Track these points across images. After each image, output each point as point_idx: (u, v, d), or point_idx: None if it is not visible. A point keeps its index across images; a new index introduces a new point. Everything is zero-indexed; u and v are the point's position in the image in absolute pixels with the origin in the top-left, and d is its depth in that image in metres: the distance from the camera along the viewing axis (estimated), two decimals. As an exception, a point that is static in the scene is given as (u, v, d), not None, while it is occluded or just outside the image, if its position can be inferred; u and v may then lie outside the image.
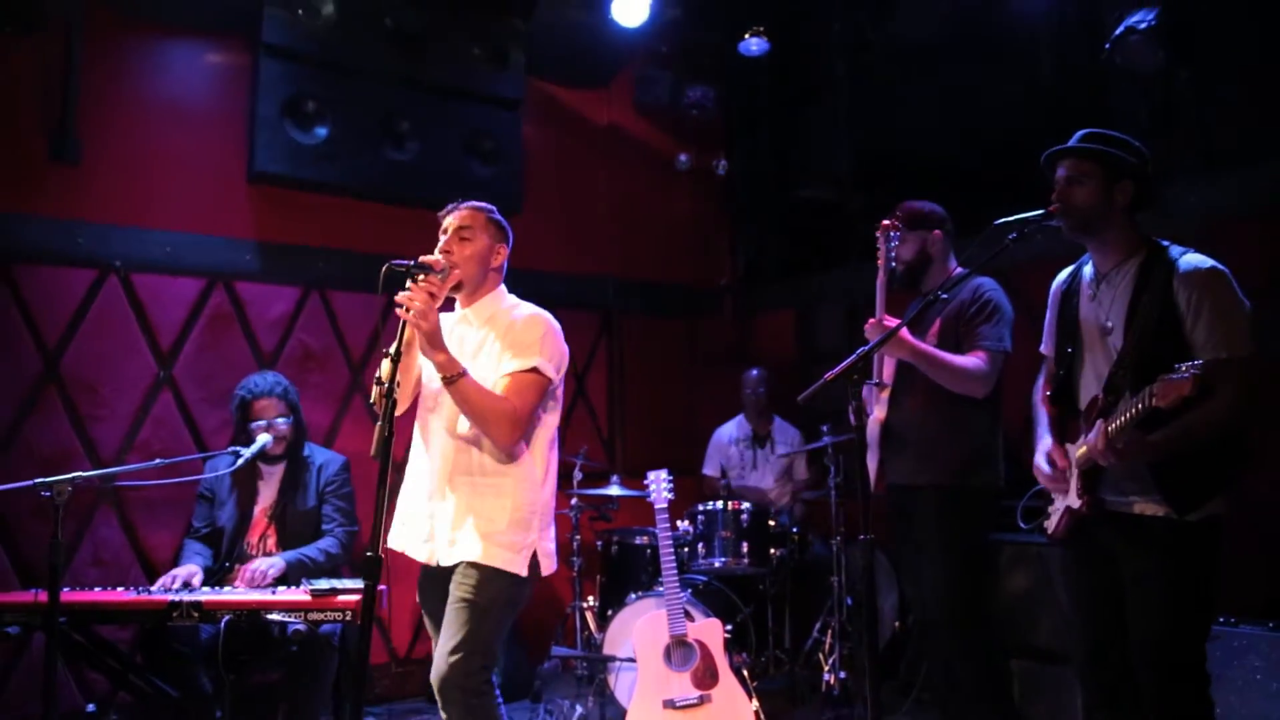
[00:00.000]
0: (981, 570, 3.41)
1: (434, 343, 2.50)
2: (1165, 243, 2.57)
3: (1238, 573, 3.58)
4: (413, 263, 2.53)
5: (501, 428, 2.57)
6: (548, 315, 2.77)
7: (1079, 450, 2.56)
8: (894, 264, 3.30)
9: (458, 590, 2.59)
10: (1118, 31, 3.83)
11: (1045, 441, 2.75)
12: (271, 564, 3.31)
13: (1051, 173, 2.65)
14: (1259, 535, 3.72)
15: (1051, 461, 2.68)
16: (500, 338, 2.71)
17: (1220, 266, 2.45)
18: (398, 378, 2.35)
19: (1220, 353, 2.37)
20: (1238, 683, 3.11)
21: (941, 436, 3.23)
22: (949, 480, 3.22)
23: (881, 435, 3.36)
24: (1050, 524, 2.71)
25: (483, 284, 2.79)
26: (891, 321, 3.14)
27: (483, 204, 2.81)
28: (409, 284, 2.49)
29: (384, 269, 2.44)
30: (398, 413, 2.67)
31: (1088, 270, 2.71)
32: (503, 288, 2.85)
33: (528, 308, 2.81)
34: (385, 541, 2.69)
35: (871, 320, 3.20)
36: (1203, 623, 2.48)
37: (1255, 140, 3.81)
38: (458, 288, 2.73)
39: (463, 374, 2.54)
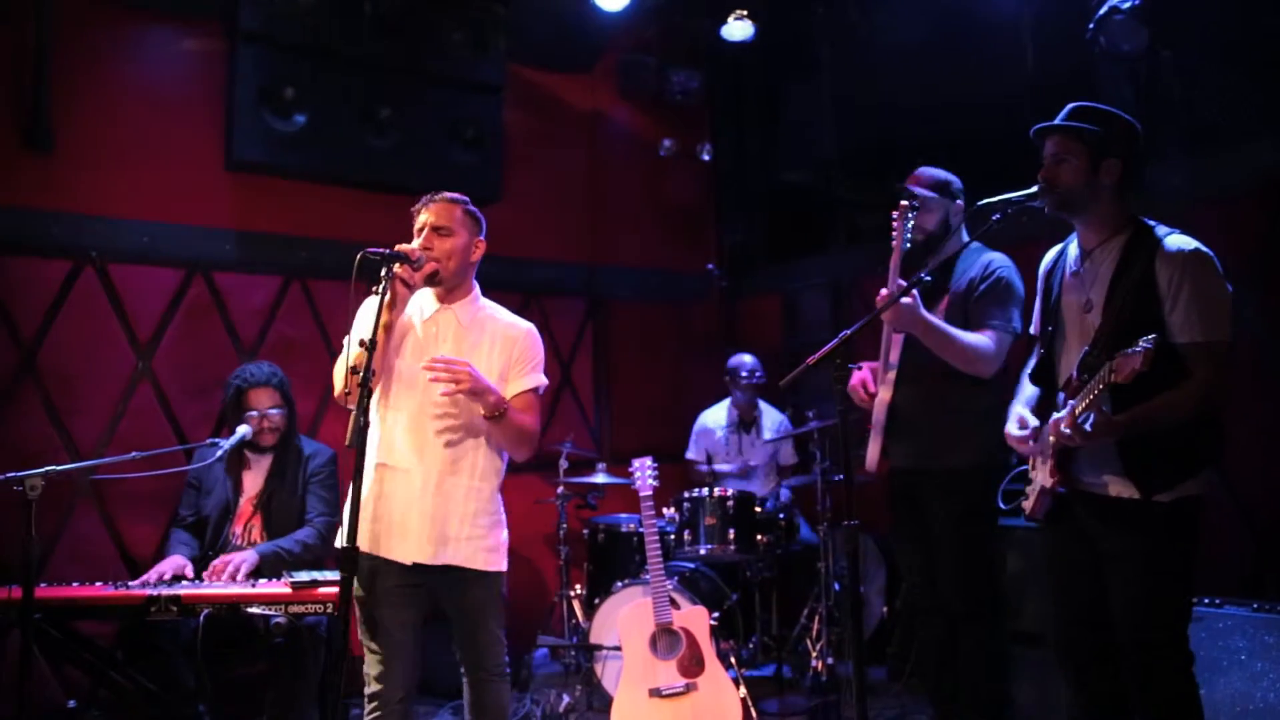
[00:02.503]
0: (995, 553, 3.36)
1: (479, 386, 2.58)
2: (1152, 223, 2.53)
3: (1222, 554, 3.59)
4: (388, 251, 2.55)
5: (530, 448, 2.78)
6: (533, 326, 2.90)
7: (1051, 430, 2.54)
8: (909, 243, 3.14)
9: (476, 597, 2.72)
10: (1101, 11, 3.81)
11: (1020, 411, 2.74)
12: (244, 558, 3.26)
13: (1041, 149, 2.61)
14: (1242, 516, 3.73)
15: (1023, 425, 2.66)
16: (503, 351, 2.79)
17: (1204, 249, 2.42)
18: (374, 367, 2.35)
19: (1196, 336, 2.36)
20: (1222, 664, 3.11)
21: (950, 419, 3.15)
22: (960, 463, 3.14)
23: (887, 417, 3.26)
24: (1028, 505, 2.70)
25: (463, 281, 2.82)
26: (904, 295, 2.96)
27: (457, 196, 2.82)
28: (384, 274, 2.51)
29: (358, 256, 2.46)
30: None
31: (1073, 248, 2.67)
32: (477, 287, 2.88)
33: (510, 315, 2.90)
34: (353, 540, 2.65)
35: (884, 291, 3.07)
36: (1180, 603, 2.46)
37: (1239, 120, 3.79)
38: (433, 278, 2.72)
39: (507, 410, 2.66)
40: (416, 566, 2.65)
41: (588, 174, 5.85)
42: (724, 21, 5.45)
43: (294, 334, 4.74)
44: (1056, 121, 2.57)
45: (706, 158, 6.02)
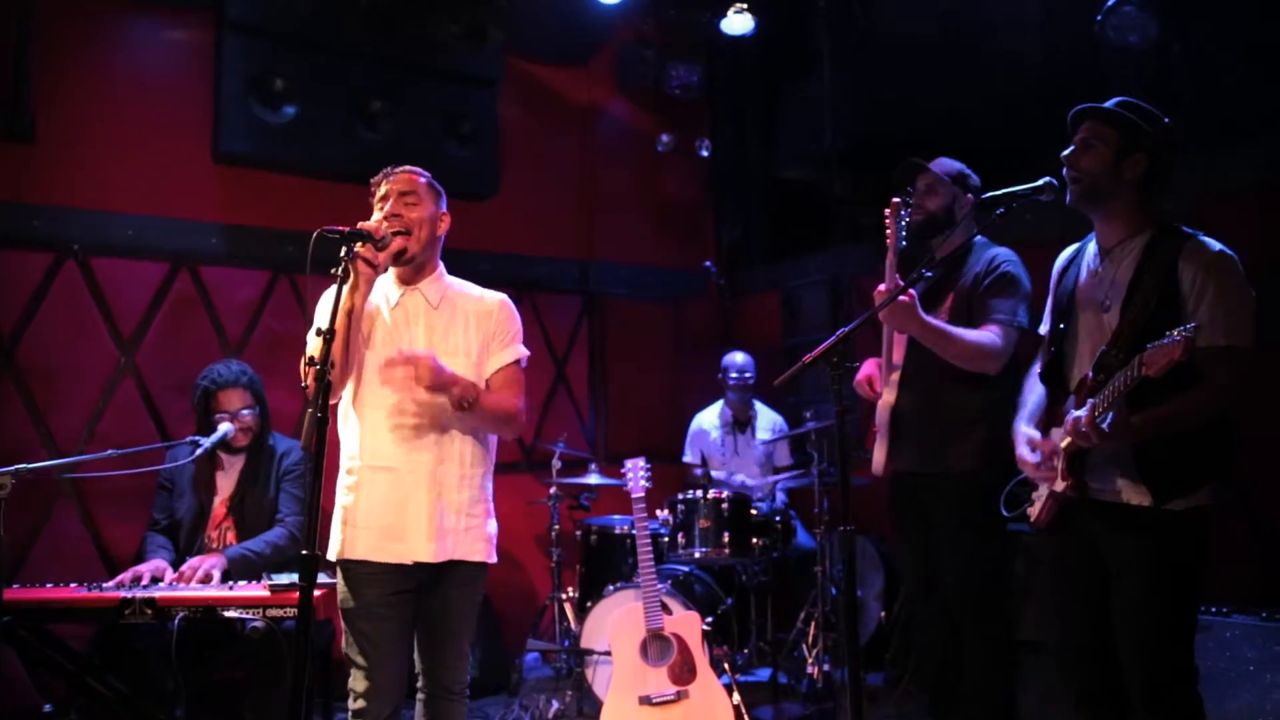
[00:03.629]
0: (1005, 560, 3.28)
1: (442, 380, 2.43)
2: (1175, 224, 2.46)
3: (1230, 563, 3.50)
4: (348, 229, 2.35)
5: (515, 426, 2.68)
6: (506, 297, 2.77)
7: (1065, 431, 2.45)
8: (904, 241, 3.06)
9: (462, 592, 2.61)
10: (1110, 3, 3.73)
11: (1027, 431, 2.65)
12: (212, 563, 3.17)
13: (1071, 135, 2.53)
14: (1251, 525, 3.64)
15: (1035, 449, 2.58)
16: (478, 327, 2.65)
17: (1229, 252, 2.37)
18: (333, 357, 2.19)
19: (1219, 339, 2.29)
20: (1230, 674, 3.02)
21: (957, 421, 3.06)
22: (969, 466, 3.04)
23: (891, 419, 3.17)
24: (1034, 511, 2.62)
25: (430, 257, 2.66)
26: (901, 294, 2.88)
27: (418, 169, 2.66)
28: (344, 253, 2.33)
29: (314, 235, 2.25)
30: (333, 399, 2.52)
31: (1091, 247, 2.61)
32: (442, 265, 2.73)
33: (479, 289, 2.76)
34: (346, 551, 2.54)
35: (881, 287, 2.98)
36: (1187, 616, 2.39)
37: (1252, 114, 3.70)
38: (400, 256, 2.55)
39: (477, 398, 2.51)
40: (417, 566, 2.51)
41: (584, 169, 5.77)
42: (723, 15, 5.36)
43: (282, 329, 4.65)
44: (1099, 105, 2.49)
45: (705, 153, 5.94)
